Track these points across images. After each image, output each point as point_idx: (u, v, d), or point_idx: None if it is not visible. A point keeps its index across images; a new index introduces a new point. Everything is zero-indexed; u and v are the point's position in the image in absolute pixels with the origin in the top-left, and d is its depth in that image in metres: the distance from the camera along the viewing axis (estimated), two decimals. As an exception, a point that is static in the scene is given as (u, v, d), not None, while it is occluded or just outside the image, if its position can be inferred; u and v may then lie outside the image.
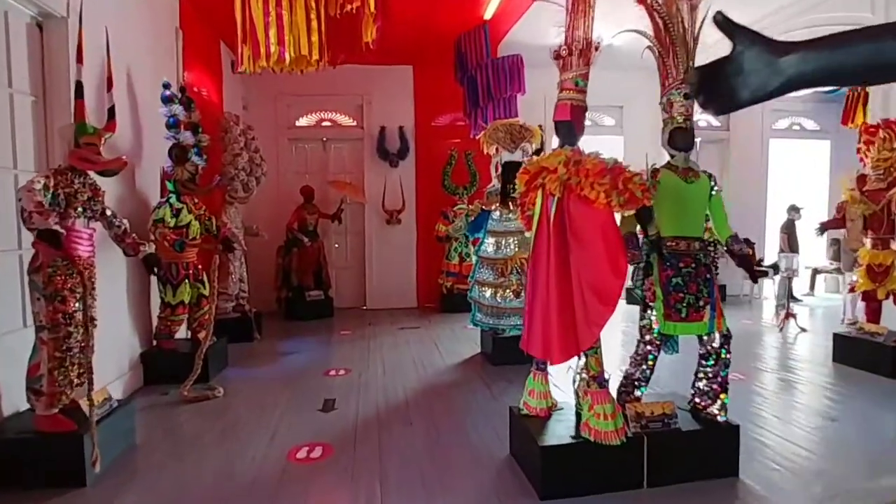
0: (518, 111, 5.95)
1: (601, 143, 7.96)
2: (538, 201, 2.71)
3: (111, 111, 3.15)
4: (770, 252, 8.69)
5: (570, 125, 2.77)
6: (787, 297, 6.20)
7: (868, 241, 4.65)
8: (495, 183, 5.21)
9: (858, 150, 4.79)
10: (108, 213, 3.07)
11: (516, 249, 4.89)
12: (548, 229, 2.61)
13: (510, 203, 4.93)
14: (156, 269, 3.77)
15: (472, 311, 5.13)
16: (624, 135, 8.54)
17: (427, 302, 8.14)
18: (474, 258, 5.08)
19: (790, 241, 7.18)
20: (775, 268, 8.24)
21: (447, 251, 7.77)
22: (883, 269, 4.46)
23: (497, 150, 5.14)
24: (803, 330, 6.17)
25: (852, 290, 4.91)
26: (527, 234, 3.15)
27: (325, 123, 8.05)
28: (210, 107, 6.10)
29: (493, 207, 5.03)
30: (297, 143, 8.02)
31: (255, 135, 6.25)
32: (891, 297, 4.50)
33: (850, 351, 4.69)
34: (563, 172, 2.58)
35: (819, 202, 9.23)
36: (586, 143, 2.90)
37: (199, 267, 4.52)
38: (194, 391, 3.96)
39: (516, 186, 2.87)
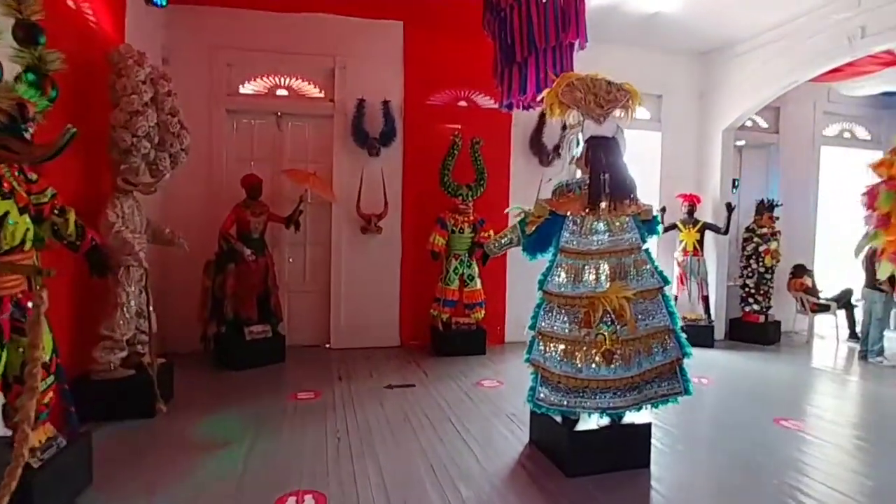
0: (574, 69, 4.03)
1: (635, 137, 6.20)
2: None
3: None
4: (834, 279, 7.24)
5: None
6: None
7: None
8: (570, 171, 3.26)
9: None
10: None
11: (609, 283, 2.95)
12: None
13: (602, 206, 3.00)
14: None
15: (531, 384, 3.12)
16: (661, 130, 6.84)
17: (413, 338, 6.06)
18: (538, 295, 3.11)
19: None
20: (843, 301, 6.75)
21: (444, 272, 5.74)
22: None
23: (573, 117, 3.20)
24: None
25: None
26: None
27: (280, 92, 5.86)
28: (100, 43, 3.85)
29: (567, 212, 3.07)
30: (239, 117, 5.78)
31: (172, 89, 4.01)
32: None
33: None
34: None
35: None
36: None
37: (29, 306, 2.28)
38: None
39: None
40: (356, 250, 5.92)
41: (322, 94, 5.93)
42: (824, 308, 6.72)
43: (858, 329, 6.77)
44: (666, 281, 3.04)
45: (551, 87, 3.24)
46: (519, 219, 3.21)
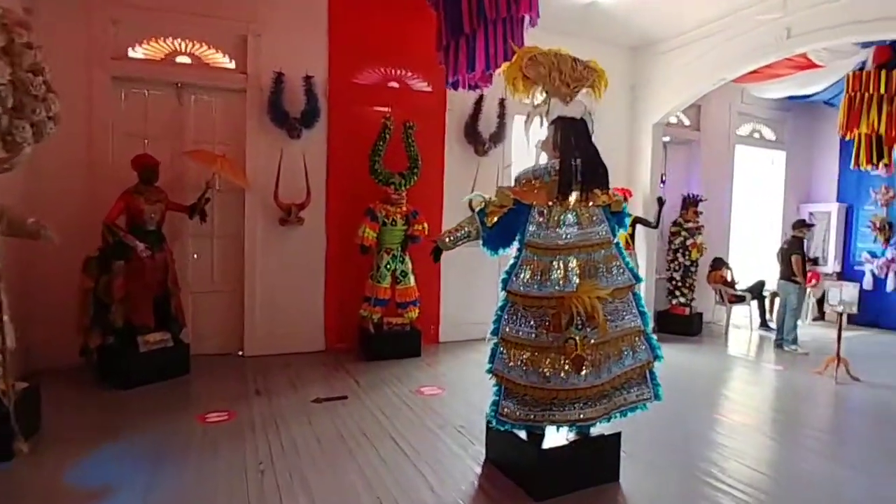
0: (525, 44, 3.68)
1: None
2: None
3: None
4: (742, 267, 7.61)
5: None
6: (838, 339, 4.85)
7: None
8: (539, 156, 2.90)
9: None
10: None
11: (579, 281, 2.64)
12: None
13: (573, 195, 2.68)
14: None
15: (494, 397, 2.74)
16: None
17: (339, 341, 5.50)
18: (501, 296, 2.73)
19: (800, 265, 5.96)
20: (756, 292, 7.11)
21: (375, 268, 5.24)
22: None
23: (537, 96, 2.85)
24: (856, 380, 4.84)
25: None
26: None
27: (181, 60, 5.00)
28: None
29: (533, 202, 2.72)
30: (129, 87, 4.85)
31: (33, 41, 3.14)
32: None
33: None
34: None
35: (771, 214, 8.53)
36: None
37: None
38: None
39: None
40: (274, 244, 5.24)
41: (233, 65, 5.14)
42: (741, 299, 7.04)
43: (769, 318, 7.18)
44: (638, 278, 2.79)
45: (511, 60, 2.88)
46: (478, 209, 2.81)
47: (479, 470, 2.94)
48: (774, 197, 8.52)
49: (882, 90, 5.86)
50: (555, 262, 2.67)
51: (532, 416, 2.61)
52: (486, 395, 4.06)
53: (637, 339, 2.78)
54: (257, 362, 4.91)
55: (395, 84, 5.75)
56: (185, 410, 3.70)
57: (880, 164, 5.99)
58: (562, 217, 2.70)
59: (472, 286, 6.04)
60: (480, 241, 2.82)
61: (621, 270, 2.75)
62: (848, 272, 7.94)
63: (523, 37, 3.69)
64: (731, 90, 7.20)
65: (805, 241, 6.26)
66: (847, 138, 6.12)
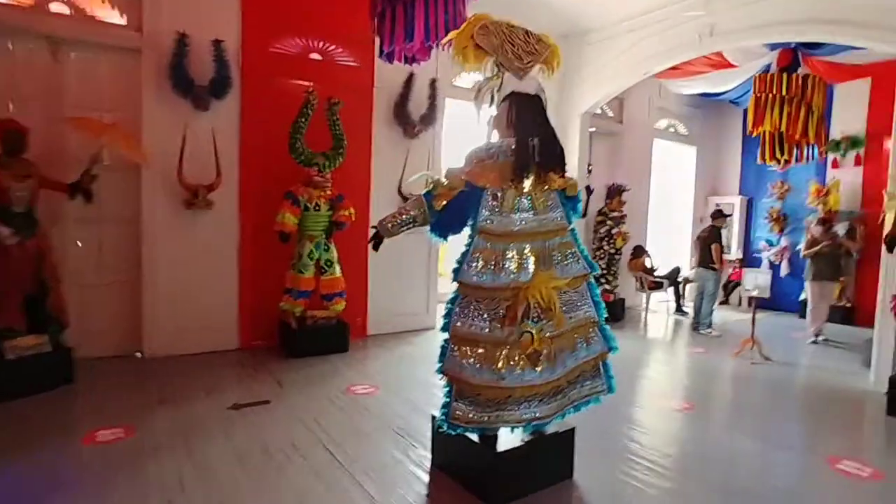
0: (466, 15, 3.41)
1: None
2: None
3: None
4: (658, 255, 7.95)
5: None
6: (752, 322, 5.13)
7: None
8: (491, 134, 2.65)
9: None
10: None
11: (535, 269, 2.45)
12: None
13: (529, 178, 2.48)
14: None
15: (445, 399, 2.48)
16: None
17: (257, 338, 4.98)
18: (452, 288, 2.47)
19: (719, 253, 6.31)
20: (672, 279, 7.45)
21: (296, 257, 4.78)
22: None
23: (489, 68, 2.60)
24: (767, 359, 5.16)
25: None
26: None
27: (55, 8, 4.19)
28: None
29: (486, 184, 2.47)
30: (-13, 37, 3.99)
31: None
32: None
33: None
34: None
35: (683, 206, 9.03)
36: None
37: None
38: None
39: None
40: (178, 230, 4.60)
41: (124, 21, 4.40)
42: (659, 285, 7.35)
43: (683, 303, 7.57)
44: (593, 267, 2.65)
45: (456, 30, 2.61)
46: (425, 191, 2.52)
47: (425, 477, 2.68)
48: (686, 189, 9.01)
49: (784, 92, 6.29)
50: (509, 251, 2.46)
51: (486, 418, 2.39)
52: (424, 391, 3.88)
53: (591, 330, 2.65)
54: (161, 364, 4.30)
55: (317, 56, 5.26)
56: (68, 429, 3.09)
57: (782, 160, 6.44)
58: (516, 201, 2.48)
59: (402, 275, 5.75)
60: (428, 228, 2.53)
61: (576, 259, 2.60)
62: (749, 259, 8.59)
63: (465, 9, 3.42)
64: (650, 85, 7.44)
65: (722, 230, 6.62)
66: (754, 135, 6.53)
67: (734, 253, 8.64)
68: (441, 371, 2.48)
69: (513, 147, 2.45)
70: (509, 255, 2.46)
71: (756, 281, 5.14)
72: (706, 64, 6.47)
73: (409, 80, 5.56)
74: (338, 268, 4.95)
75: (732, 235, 8.70)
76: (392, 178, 5.50)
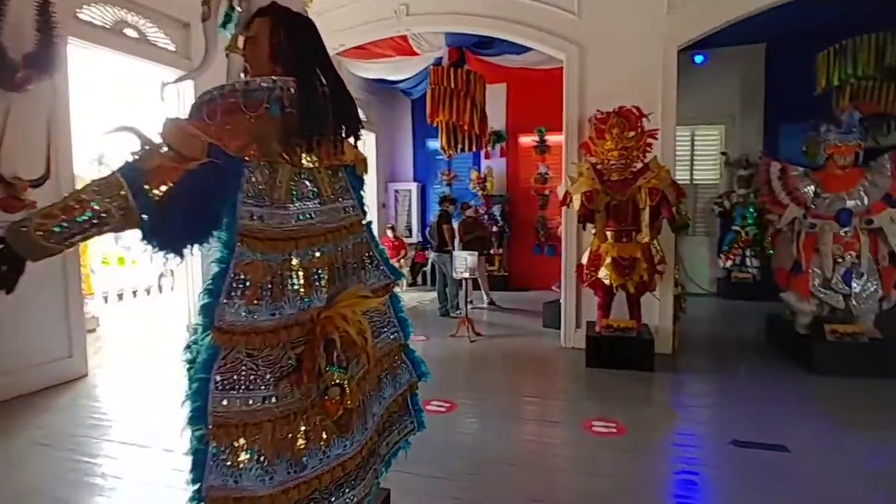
0: None
1: (156, 74, 4.29)
2: None
3: None
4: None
5: None
6: (465, 302, 5.28)
7: (610, 234, 4.31)
8: (232, 68, 1.55)
9: (588, 143, 4.44)
10: None
11: (329, 286, 1.60)
12: None
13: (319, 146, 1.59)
14: None
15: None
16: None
17: None
18: (204, 341, 1.34)
19: (450, 234, 6.41)
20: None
21: None
22: (629, 263, 4.22)
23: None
24: (479, 335, 5.43)
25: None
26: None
27: None
28: None
29: (246, 154, 1.44)
30: None
31: None
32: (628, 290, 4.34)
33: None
34: None
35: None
36: None
37: None
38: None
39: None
40: None
41: None
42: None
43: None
44: (397, 274, 1.95)
45: None
46: (124, 162, 1.31)
47: None
48: (368, 175, 9.06)
49: (453, 85, 6.83)
50: (289, 263, 1.53)
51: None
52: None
53: (396, 357, 1.97)
54: None
55: None
56: None
57: (458, 149, 7.02)
58: (293, 184, 1.56)
59: (19, 301, 3.69)
60: (139, 233, 1.33)
61: (375, 264, 1.86)
62: (425, 242, 9.29)
63: None
64: (336, 62, 6.99)
65: (450, 213, 6.77)
66: (434, 125, 6.89)
67: (415, 236, 9.21)
68: (199, 498, 1.36)
69: (291, 91, 1.49)
70: (291, 270, 1.53)
71: (466, 263, 5.38)
72: (392, 47, 6.43)
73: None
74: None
75: (412, 220, 9.26)
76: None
